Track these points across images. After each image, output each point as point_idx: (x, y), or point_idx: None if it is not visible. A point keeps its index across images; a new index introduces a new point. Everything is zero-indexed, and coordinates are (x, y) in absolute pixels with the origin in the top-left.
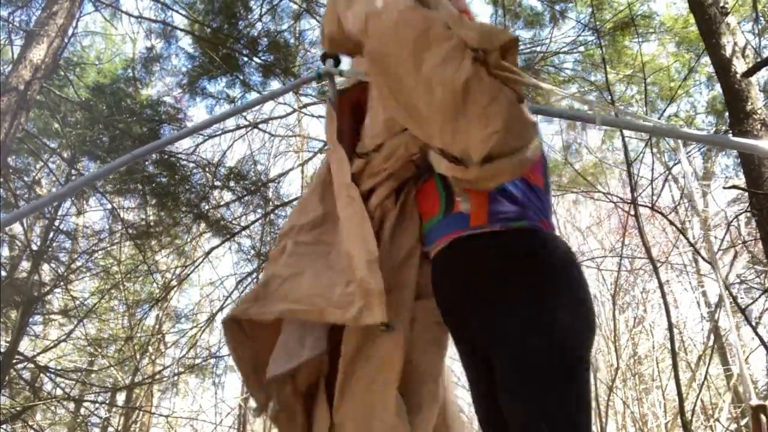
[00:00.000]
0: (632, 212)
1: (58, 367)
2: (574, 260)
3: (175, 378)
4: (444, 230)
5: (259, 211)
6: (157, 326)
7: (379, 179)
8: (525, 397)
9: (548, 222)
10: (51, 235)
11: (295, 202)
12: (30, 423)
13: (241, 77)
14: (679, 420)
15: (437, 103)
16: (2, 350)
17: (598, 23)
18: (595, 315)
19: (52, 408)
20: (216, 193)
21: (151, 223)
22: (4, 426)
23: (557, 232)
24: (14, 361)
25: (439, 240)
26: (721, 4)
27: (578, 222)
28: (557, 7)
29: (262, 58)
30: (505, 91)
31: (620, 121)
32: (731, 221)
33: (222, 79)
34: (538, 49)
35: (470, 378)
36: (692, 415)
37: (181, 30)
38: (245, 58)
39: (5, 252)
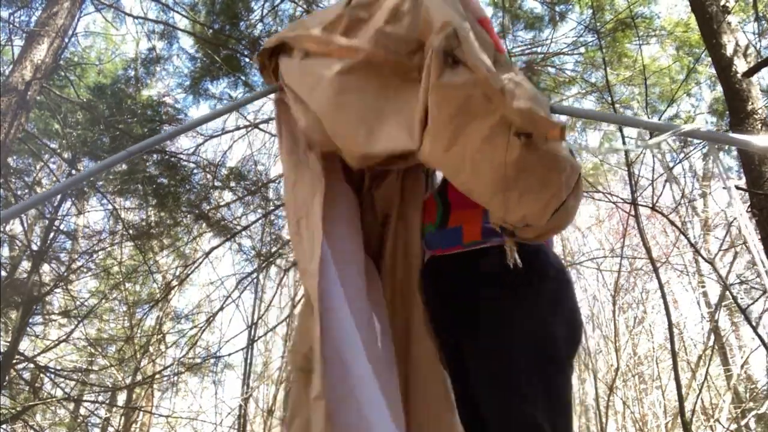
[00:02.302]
0: (632, 212)
1: (58, 367)
2: (565, 277)
3: (175, 378)
4: (437, 243)
5: (260, 211)
6: (157, 326)
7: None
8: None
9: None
10: (51, 235)
11: None
12: (30, 423)
13: (243, 78)
14: (679, 420)
15: (484, 180)
16: (2, 350)
17: (598, 24)
18: (582, 333)
19: (52, 408)
20: (216, 193)
21: (152, 224)
22: (4, 426)
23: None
24: (14, 361)
25: (432, 252)
26: (723, 3)
27: (578, 222)
28: (558, 9)
29: None
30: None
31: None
32: (731, 221)
33: (224, 80)
34: (539, 50)
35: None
36: (692, 416)
37: (183, 31)
38: (246, 59)
39: (5, 252)
